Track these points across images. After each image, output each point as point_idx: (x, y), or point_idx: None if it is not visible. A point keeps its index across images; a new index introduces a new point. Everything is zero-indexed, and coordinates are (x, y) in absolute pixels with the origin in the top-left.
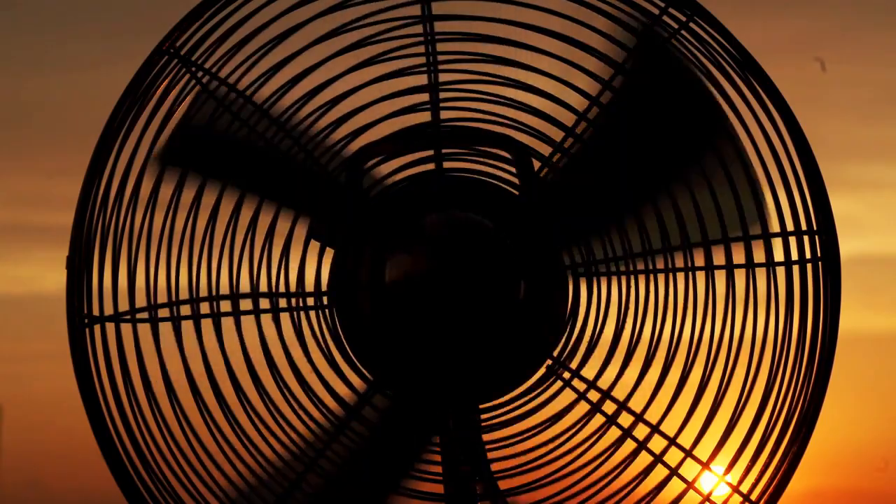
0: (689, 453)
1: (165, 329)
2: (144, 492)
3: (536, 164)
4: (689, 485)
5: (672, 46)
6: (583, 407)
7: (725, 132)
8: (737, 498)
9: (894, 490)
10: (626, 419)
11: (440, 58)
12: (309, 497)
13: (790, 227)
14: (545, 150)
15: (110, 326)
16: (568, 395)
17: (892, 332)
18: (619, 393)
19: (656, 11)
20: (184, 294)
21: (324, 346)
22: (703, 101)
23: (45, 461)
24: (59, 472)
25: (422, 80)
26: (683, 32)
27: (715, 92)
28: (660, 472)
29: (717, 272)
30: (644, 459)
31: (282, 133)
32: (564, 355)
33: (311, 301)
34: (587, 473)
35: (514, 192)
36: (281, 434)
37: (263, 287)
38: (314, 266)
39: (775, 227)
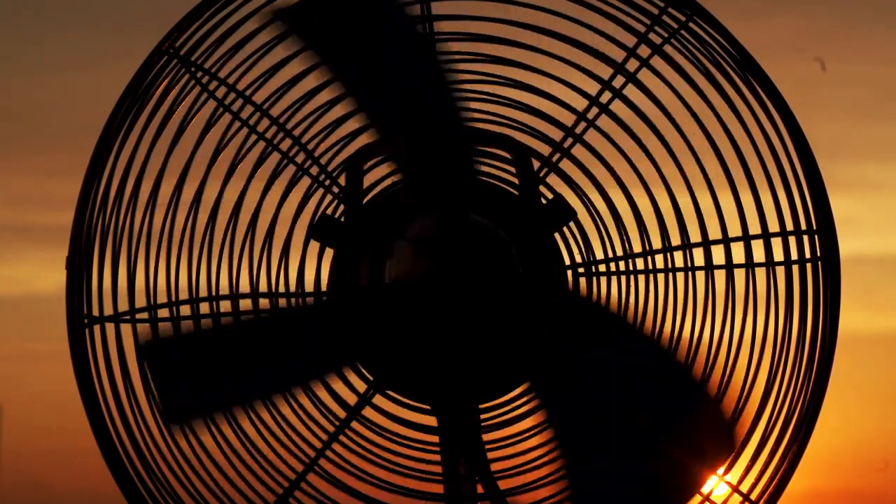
0: None
1: (165, 329)
2: (144, 492)
3: (536, 164)
4: None
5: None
6: None
7: None
8: (737, 498)
9: (894, 490)
10: None
11: (440, 58)
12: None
13: (790, 227)
14: (545, 150)
15: (110, 326)
16: None
17: (892, 332)
18: None
19: (656, 11)
20: (183, 294)
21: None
22: None
23: (45, 461)
24: (59, 473)
25: None
26: (683, 32)
27: (716, 94)
28: None
29: (716, 272)
30: None
31: (282, 133)
32: None
33: (311, 301)
34: None
35: (514, 192)
36: (281, 434)
37: (263, 287)
38: (314, 266)
39: (775, 227)
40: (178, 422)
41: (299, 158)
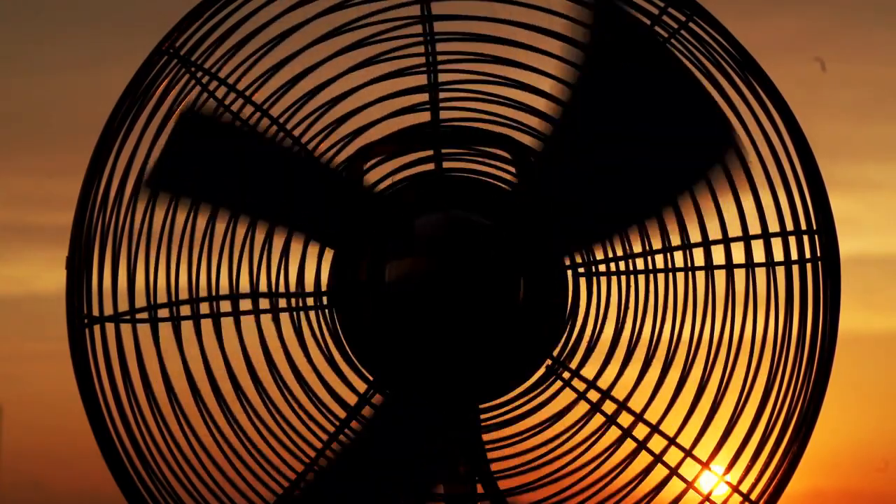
0: (688, 453)
1: (165, 329)
2: (144, 492)
3: None
4: (689, 484)
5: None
6: (583, 407)
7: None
8: (737, 498)
9: (894, 490)
10: (625, 419)
11: (440, 58)
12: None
13: (790, 227)
14: None
15: (110, 326)
16: (568, 395)
17: (892, 332)
18: (619, 393)
19: (656, 11)
20: (183, 294)
21: (323, 346)
22: (708, 106)
23: (45, 461)
24: (59, 473)
25: (421, 80)
26: (683, 32)
27: (716, 94)
28: (660, 472)
29: (716, 272)
30: (644, 459)
31: (282, 133)
32: (564, 355)
33: (310, 301)
34: (587, 473)
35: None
36: (281, 434)
37: (263, 287)
38: (314, 266)
39: (775, 226)
40: (153, 186)
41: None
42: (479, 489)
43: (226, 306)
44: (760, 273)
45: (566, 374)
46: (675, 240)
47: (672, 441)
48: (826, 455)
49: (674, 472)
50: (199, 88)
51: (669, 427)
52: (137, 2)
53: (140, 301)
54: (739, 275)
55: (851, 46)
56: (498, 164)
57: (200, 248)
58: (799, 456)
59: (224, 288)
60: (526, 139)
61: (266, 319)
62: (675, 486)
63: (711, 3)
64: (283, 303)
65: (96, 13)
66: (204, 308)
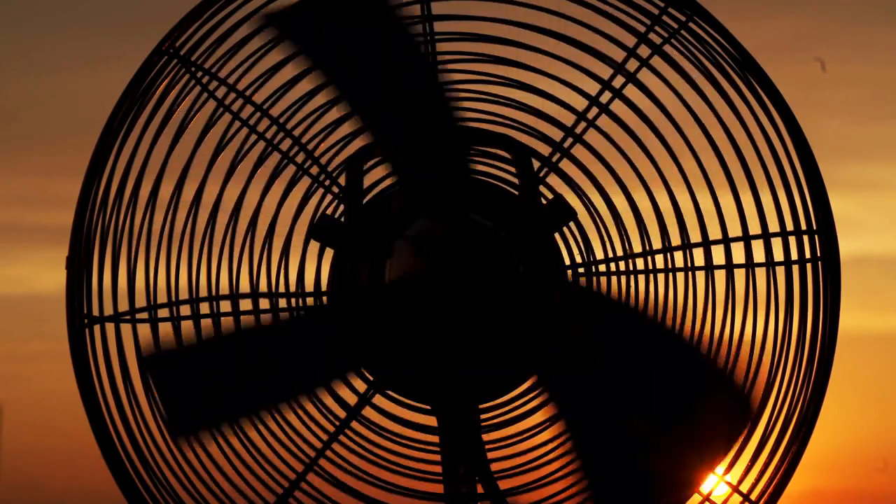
0: None
1: (167, 338)
2: (144, 492)
3: (536, 164)
4: None
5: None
6: None
7: None
8: (737, 498)
9: (894, 490)
10: None
11: (440, 58)
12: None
13: (790, 227)
14: (545, 150)
15: (110, 326)
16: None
17: (892, 332)
18: None
19: (656, 11)
20: (183, 294)
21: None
22: None
23: (45, 461)
24: (59, 473)
25: None
26: (683, 32)
27: (716, 94)
28: None
29: (716, 272)
30: None
31: (282, 133)
32: None
33: (310, 301)
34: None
35: (514, 192)
36: (281, 434)
37: (263, 287)
38: (314, 266)
39: (775, 227)
40: (185, 434)
41: (299, 158)
42: (479, 489)
43: (226, 306)
44: (760, 273)
45: None
46: (675, 240)
47: None
48: (826, 455)
49: None
50: (199, 88)
51: None
52: (137, 2)
53: (140, 301)
54: (739, 275)
55: (851, 46)
56: (498, 163)
57: (200, 248)
58: (799, 456)
59: (224, 288)
60: (526, 139)
61: (266, 319)
62: None
63: (711, 3)
64: (283, 303)
65: (96, 13)
66: (204, 308)
